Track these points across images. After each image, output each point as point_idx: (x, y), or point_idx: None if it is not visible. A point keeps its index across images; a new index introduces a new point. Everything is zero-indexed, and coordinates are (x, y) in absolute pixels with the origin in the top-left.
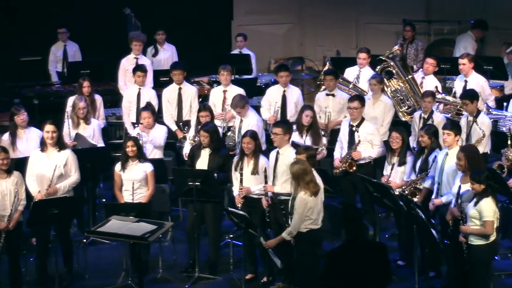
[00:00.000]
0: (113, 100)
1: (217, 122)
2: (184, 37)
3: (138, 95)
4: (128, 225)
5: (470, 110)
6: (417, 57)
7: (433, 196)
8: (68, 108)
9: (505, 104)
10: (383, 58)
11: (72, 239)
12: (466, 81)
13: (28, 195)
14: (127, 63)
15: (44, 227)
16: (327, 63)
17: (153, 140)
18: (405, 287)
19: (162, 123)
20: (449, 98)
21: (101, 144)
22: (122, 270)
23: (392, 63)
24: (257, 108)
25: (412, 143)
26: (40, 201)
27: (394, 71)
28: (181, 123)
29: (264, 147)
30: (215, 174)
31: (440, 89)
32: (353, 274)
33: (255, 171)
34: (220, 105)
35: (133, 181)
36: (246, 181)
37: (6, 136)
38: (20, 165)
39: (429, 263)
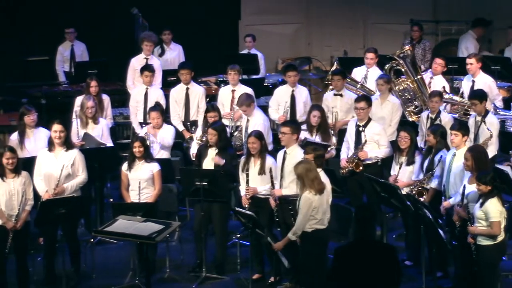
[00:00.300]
0: (121, 100)
1: (225, 122)
2: (192, 37)
3: (146, 94)
4: (135, 224)
5: (479, 110)
6: (424, 57)
7: (442, 200)
8: (76, 108)
9: None
10: (394, 57)
11: (79, 239)
12: (473, 81)
13: (36, 194)
14: (136, 63)
15: (52, 227)
16: (335, 63)
17: (162, 140)
18: (412, 287)
19: (169, 123)
20: (457, 98)
21: (109, 143)
22: (129, 270)
23: (401, 62)
24: (264, 108)
25: (420, 143)
26: (47, 200)
27: (403, 70)
28: (188, 123)
29: (270, 147)
30: (223, 161)
31: (447, 89)
32: (360, 274)
33: (261, 171)
34: (229, 104)
35: (140, 181)
36: (253, 181)
37: (14, 136)
38: (28, 164)
39: (436, 263)
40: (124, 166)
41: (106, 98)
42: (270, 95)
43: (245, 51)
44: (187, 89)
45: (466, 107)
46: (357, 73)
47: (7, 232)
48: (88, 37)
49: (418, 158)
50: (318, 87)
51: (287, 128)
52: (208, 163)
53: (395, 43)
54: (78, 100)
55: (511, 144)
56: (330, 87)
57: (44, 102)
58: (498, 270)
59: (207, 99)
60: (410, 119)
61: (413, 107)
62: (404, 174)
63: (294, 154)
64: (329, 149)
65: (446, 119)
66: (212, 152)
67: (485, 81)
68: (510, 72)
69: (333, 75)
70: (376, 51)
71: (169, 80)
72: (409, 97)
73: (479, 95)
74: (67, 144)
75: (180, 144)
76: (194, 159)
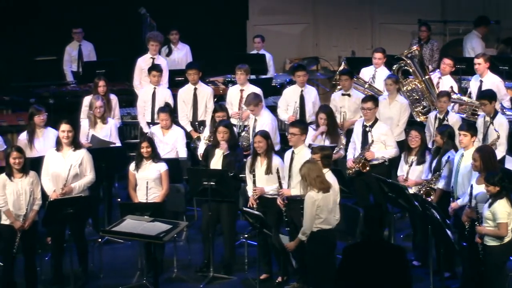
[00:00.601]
0: (128, 99)
1: (233, 121)
2: (199, 37)
3: (153, 94)
4: (143, 224)
5: (488, 111)
6: (432, 57)
7: (451, 201)
8: (85, 108)
9: None
10: (402, 57)
11: (87, 239)
12: (481, 81)
13: (44, 194)
14: (143, 63)
15: (59, 227)
16: (343, 63)
17: (174, 144)
18: None
19: (177, 123)
20: (465, 98)
21: (118, 143)
22: (137, 270)
23: (409, 62)
24: (272, 108)
25: (428, 143)
26: (55, 200)
27: (411, 70)
28: (196, 123)
29: (278, 147)
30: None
31: (455, 89)
32: (368, 274)
33: (268, 171)
34: (237, 104)
35: (147, 181)
36: (260, 181)
37: (23, 136)
38: (35, 164)
39: (444, 264)
40: (132, 166)
41: (114, 98)
42: (278, 95)
43: (254, 52)
44: (195, 89)
45: (474, 107)
46: (365, 73)
47: (15, 232)
48: (95, 37)
49: (428, 158)
50: (326, 87)
51: (296, 129)
52: (216, 163)
53: (403, 43)
54: (86, 100)
55: None
56: (338, 87)
57: (52, 102)
58: (505, 270)
59: (215, 99)
60: (418, 120)
61: (421, 107)
62: (413, 173)
63: (302, 154)
64: (337, 149)
65: (454, 119)
66: (219, 152)
67: (493, 81)
68: None
69: (341, 75)
70: (384, 51)
71: (177, 80)
72: (417, 97)
73: (488, 95)
74: (75, 144)
75: (187, 144)
76: (201, 159)
